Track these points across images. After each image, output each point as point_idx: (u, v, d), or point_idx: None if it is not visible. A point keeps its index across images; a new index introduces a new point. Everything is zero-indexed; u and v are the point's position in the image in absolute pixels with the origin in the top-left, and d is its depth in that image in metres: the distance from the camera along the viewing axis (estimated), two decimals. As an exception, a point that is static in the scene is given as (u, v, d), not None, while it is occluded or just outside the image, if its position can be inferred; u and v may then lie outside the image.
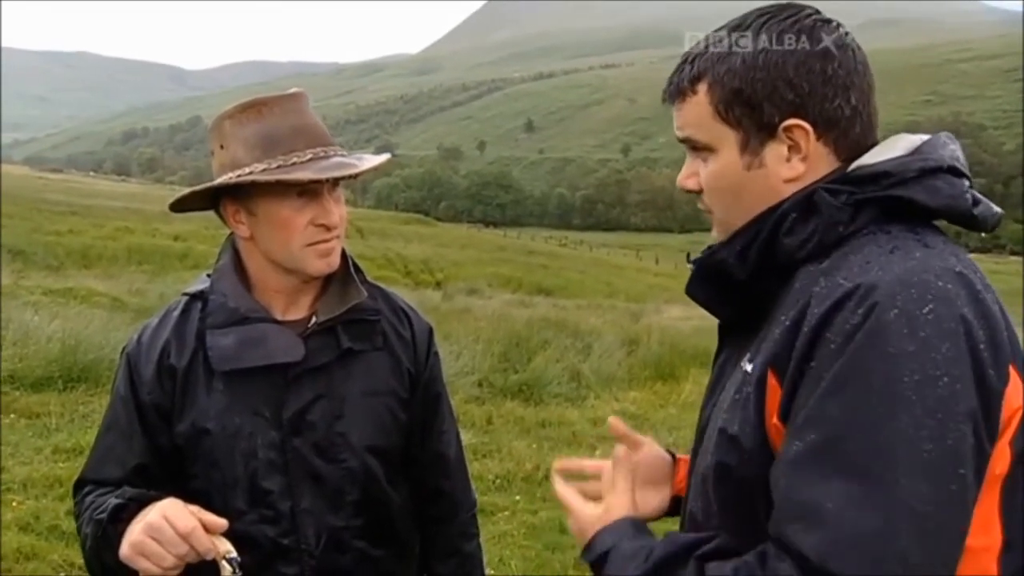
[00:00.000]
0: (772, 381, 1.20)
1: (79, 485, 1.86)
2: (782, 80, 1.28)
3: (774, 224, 1.28)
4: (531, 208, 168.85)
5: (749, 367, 1.26)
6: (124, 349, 1.93)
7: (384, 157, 1.91)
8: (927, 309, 1.10)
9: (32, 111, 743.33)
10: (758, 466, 1.20)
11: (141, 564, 1.56)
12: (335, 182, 1.81)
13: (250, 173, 1.73)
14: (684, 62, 1.37)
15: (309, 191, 1.77)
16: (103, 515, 1.68)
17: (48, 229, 33.89)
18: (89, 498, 1.78)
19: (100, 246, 31.96)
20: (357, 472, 1.88)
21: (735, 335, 1.42)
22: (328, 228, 1.80)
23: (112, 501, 1.69)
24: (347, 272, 1.93)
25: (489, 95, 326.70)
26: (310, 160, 1.75)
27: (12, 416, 7.18)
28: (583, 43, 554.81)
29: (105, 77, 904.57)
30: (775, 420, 1.19)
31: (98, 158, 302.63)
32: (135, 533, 1.58)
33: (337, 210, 1.81)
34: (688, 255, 1.45)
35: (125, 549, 1.58)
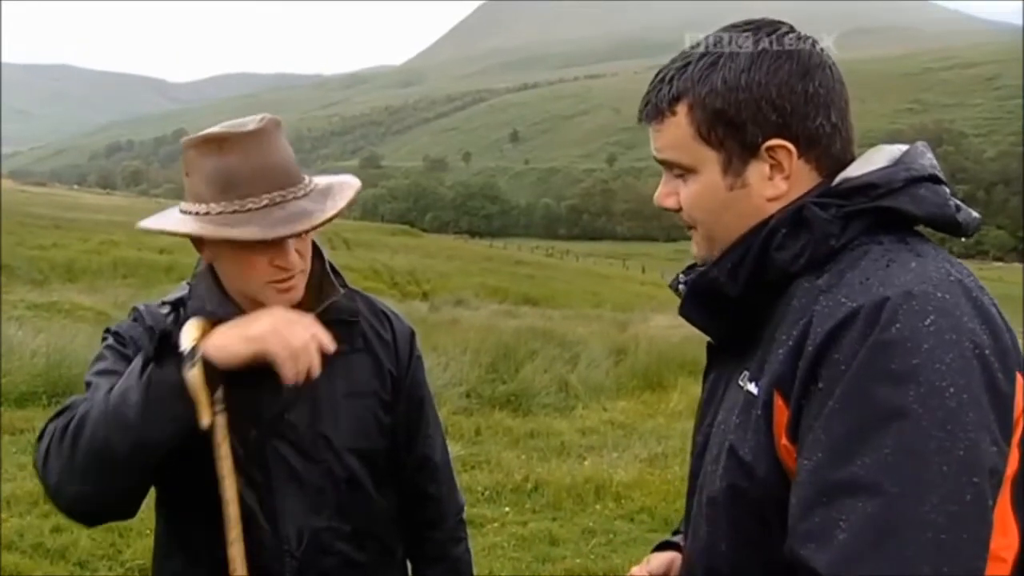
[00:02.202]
0: (779, 402, 1.20)
1: (57, 413, 1.75)
2: (765, 100, 1.28)
3: (764, 240, 1.28)
4: (517, 218, 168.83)
5: (753, 388, 1.26)
6: (106, 333, 1.90)
7: (350, 195, 1.83)
8: (928, 321, 1.10)
9: (15, 125, 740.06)
10: (771, 487, 1.21)
11: (282, 347, 1.62)
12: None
13: (207, 214, 1.71)
14: (661, 81, 1.36)
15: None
16: (136, 366, 1.65)
17: (32, 243, 33.61)
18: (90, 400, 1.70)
19: (85, 260, 31.72)
20: (340, 474, 1.88)
21: (725, 352, 1.42)
22: (286, 269, 1.78)
23: (139, 359, 1.67)
24: (323, 272, 1.93)
25: (474, 106, 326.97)
26: (265, 207, 1.71)
27: (-4, 432, 7.10)
28: (568, 54, 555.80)
29: (88, 90, 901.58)
30: (784, 441, 1.19)
31: (82, 171, 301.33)
32: (267, 319, 1.66)
33: (298, 246, 1.79)
34: (677, 278, 1.46)
35: (262, 331, 1.63)
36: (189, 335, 1.63)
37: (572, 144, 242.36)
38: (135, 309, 1.91)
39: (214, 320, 1.70)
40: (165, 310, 1.88)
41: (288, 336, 1.63)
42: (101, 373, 1.80)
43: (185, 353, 1.61)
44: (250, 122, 1.75)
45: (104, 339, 1.90)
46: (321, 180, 1.85)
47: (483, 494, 6.87)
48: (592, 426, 9.56)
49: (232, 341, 1.63)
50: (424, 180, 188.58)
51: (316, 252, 1.90)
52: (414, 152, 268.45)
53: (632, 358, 12.77)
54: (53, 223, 43.57)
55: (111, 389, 1.66)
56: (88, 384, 1.80)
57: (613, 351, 13.12)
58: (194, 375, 1.60)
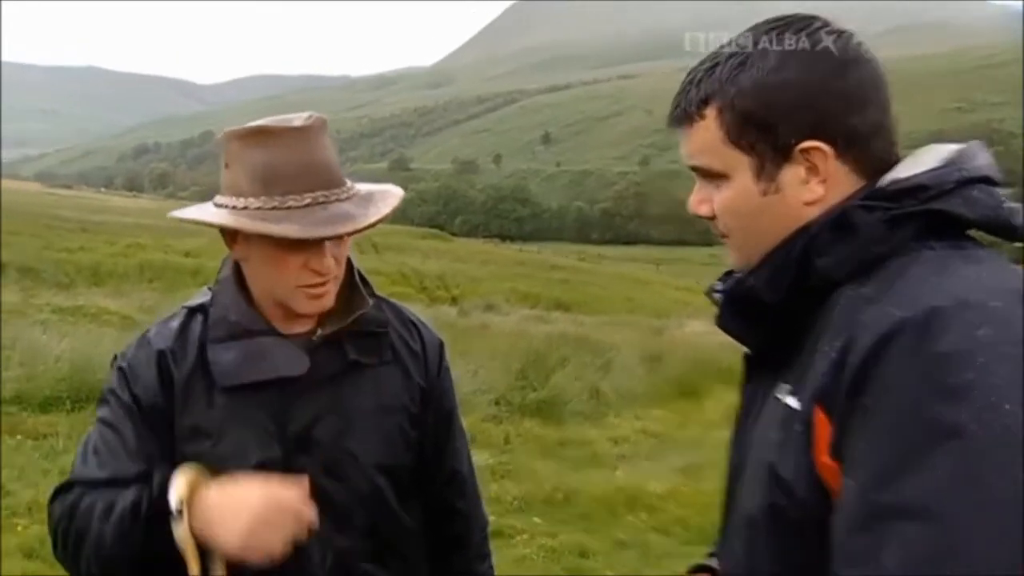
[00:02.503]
0: (820, 416, 1.15)
1: (64, 488, 1.75)
2: (797, 100, 1.23)
3: (805, 246, 1.23)
4: (549, 222, 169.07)
5: (793, 402, 1.21)
6: (115, 360, 1.86)
7: (394, 203, 1.80)
8: (983, 332, 1.04)
9: (42, 126, 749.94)
10: (812, 508, 1.15)
11: (255, 555, 1.55)
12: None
13: (244, 208, 1.69)
14: (689, 83, 1.32)
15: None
16: (126, 509, 1.61)
17: (59, 246, 34.03)
18: (88, 498, 1.69)
19: (111, 263, 32.05)
20: (365, 492, 1.84)
21: (763, 363, 1.36)
22: (320, 273, 1.74)
23: (130, 496, 1.63)
24: (352, 281, 1.89)
25: (505, 107, 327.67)
26: (307, 206, 1.68)
27: (19, 437, 7.15)
28: (600, 54, 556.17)
29: (115, 92, 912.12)
30: (826, 458, 1.13)
31: (109, 174, 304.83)
32: (242, 525, 1.54)
33: (335, 252, 1.76)
34: (713, 287, 1.41)
35: (235, 543, 1.54)
36: (177, 492, 1.59)
37: (605, 146, 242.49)
38: (143, 336, 1.87)
39: (204, 469, 1.65)
40: (176, 323, 1.85)
41: (266, 542, 1.56)
42: (103, 424, 1.78)
43: (173, 511, 1.57)
44: (297, 118, 1.72)
45: (112, 363, 1.87)
46: (363, 187, 1.82)
47: (512, 504, 6.84)
48: (625, 435, 9.56)
49: (208, 532, 1.57)
50: (454, 183, 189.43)
51: (347, 262, 1.87)
52: (444, 154, 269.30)
53: (667, 365, 12.75)
54: (80, 226, 44.15)
55: (108, 510, 1.64)
56: (97, 420, 1.80)
57: (647, 358, 13.10)
58: (182, 531, 1.56)
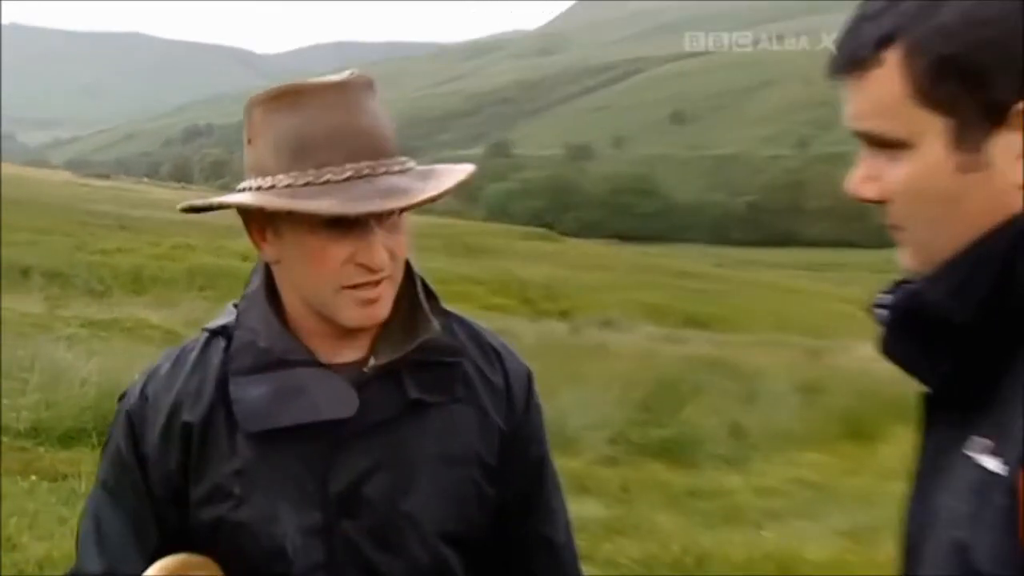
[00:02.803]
0: None
1: None
2: (1021, 39, 1.09)
3: (1010, 247, 1.10)
4: (681, 219, 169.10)
5: (993, 464, 1.07)
6: (121, 402, 1.84)
7: (460, 177, 1.71)
8: None
9: (75, 104, 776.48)
10: None
11: None
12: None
13: (272, 188, 1.62)
14: (863, 17, 1.19)
15: (345, 220, 1.63)
16: None
17: (93, 247, 35.15)
18: None
19: (155, 267, 33.01)
20: (426, 565, 1.75)
21: (948, 407, 1.22)
22: (371, 269, 1.65)
23: None
24: (414, 294, 1.79)
25: (628, 79, 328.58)
26: (347, 180, 1.60)
27: (33, 478, 7.25)
28: (746, 10, 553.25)
29: (162, 63, 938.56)
30: None
31: (153, 160, 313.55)
32: None
33: (389, 243, 1.66)
34: (877, 300, 1.27)
35: None
36: None
37: (752, 124, 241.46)
38: (154, 371, 1.84)
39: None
40: (194, 354, 1.81)
41: None
42: (106, 492, 1.81)
43: None
44: (334, 76, 1.67)
45: (120, 399, 1.86)
46: (423, 166, 1.74)
47: (630, 569, 6.75)
48: (774, 485, 9.52)
49: None
50: (565, 171, 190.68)
51: (407, 266, 1.78)
52: (553, 137, 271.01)
53: (828, 397, 12.70)
54: (118, 223, 45.54)
55: None
56: (99, 482, 1.84)
57: (802, 388, 13.07)
58: None
